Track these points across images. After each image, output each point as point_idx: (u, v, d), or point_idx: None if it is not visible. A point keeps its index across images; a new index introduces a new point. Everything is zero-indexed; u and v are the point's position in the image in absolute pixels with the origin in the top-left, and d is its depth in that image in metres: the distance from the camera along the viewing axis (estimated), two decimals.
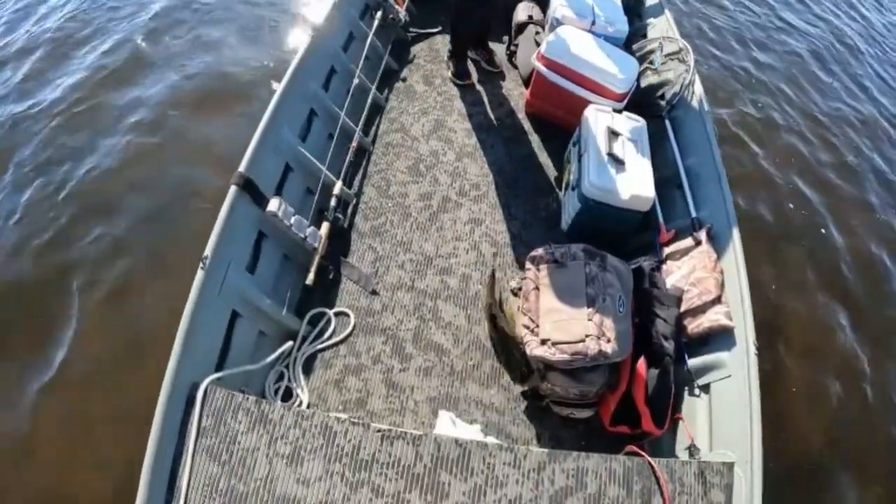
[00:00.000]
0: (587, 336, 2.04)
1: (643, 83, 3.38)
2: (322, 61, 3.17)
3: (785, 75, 5.62)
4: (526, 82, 3.62)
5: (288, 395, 2.23)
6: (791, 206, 4.23)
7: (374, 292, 2.56)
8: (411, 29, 3.90)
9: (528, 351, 2.11)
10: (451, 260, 2.70)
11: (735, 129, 4.71)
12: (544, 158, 3.25)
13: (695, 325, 2.30)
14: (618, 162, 2.61)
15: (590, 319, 2.09)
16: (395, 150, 3.14)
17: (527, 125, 3.43)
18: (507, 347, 2.33)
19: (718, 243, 2.49)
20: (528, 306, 2.22)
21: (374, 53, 3.53)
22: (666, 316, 2.23)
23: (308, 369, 2.31)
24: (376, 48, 3.55)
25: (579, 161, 2.75)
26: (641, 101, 3.27)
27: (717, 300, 2.29)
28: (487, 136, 3.31)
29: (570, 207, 2.75)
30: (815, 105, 5.30)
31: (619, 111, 2.93)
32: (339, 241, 2.69)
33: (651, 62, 3.52)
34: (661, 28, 3.66)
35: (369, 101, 3.21)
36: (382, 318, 2.49)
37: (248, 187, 2.32)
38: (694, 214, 2.67)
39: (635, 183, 2.57)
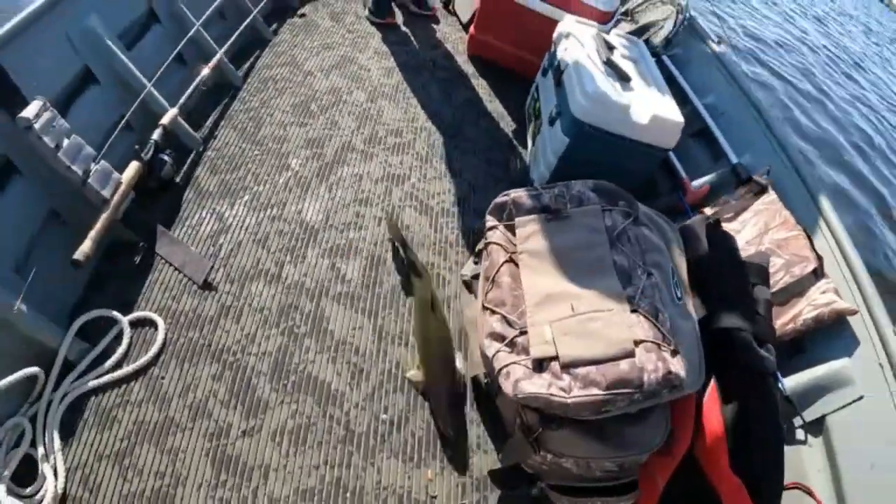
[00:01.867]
0: (638, 343, 0.94)
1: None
2: None
3: None
4: (466, 27, 2.66)
5: (30, 475, 0.99)
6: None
7: (206, 286, 1.31)
8: None
9: (505, 387, 0.93)
10: (349, 234, 1.51)
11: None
12: (496, 106, 2.20)
13: (790, 317, 1.26)
14: (621, 77, 1.62)
15: (634, 310, 0.99)
16: (278, 84, 1.97)
17: (470, 69, 2.39)
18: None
19: (785, 193, 1.52)
20: (499, 296, 1.07)
21: None
22: (754, 302, 1.18)
23: (71, 426, 1.07)
24: None
25: (559, 85, 1.73)
26: None
27: (819, 272, 1.28)
28: (416, 77, 2.22)
29: (547, 151, 1.69)
30: None
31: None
32: (161, 201, 1.48)
33: (625, 13, 2.70)
34: None
35: (246, 23, 2.05)
36: (218, 332, 1.24)
37: None
38: (734, 160, 1.72)
39: (652, 103, 1.57)
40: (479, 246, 1.22)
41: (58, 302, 1.19)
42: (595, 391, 0.87)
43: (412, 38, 2.52)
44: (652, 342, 0.91)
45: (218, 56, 1.80)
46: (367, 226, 1.54)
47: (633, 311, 0.97)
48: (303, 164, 1.68)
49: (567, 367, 0.90)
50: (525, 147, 2.01)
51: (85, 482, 1.00)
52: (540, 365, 0.93)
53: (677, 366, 0.90)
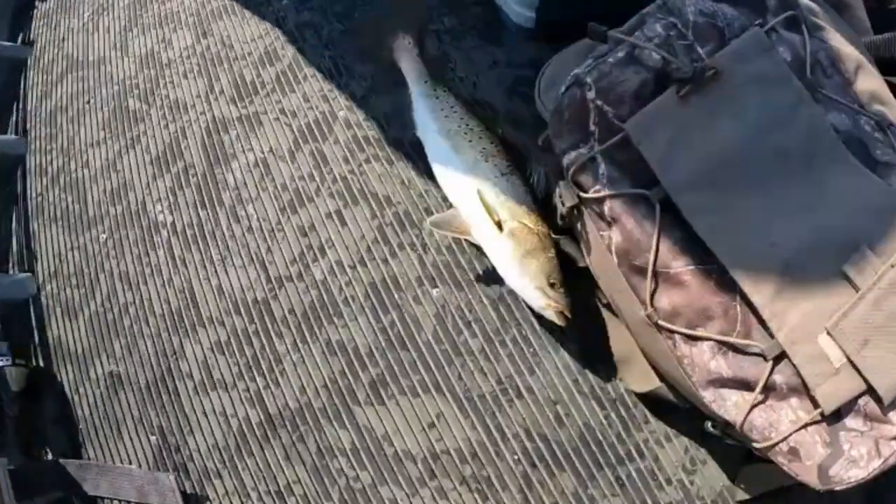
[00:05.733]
0: None
1: None
2: None
3: None
4: None
5: None
6: None
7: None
8: None
9: (805, 478, 0.46)
10: (310, 295, 0.79)
11: None
12: None
13: None
14: None
15: None
16: (71, 111, 1.08)
17: None
18: None
19: None
20: (690, 301, 0.51)
21: None
22: None
23: None
24: None
25: None
26: None
27: None
28: None
29: None
30: None
31: None
32: (42, 421, 0.87)
33: None
34: None
35: None
36: None
37: None
38: None
39: None
40: (564, 206, 0.60)
41: None
42: None
43: None
44: None
45: None
46: (324, 253, 0.79)
47: None
48: (172, 204, 0.87)
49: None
50: None
51: None
52: (837, 415, 0.51)
53: None
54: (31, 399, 0.80)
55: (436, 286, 0.73)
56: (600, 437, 0.66)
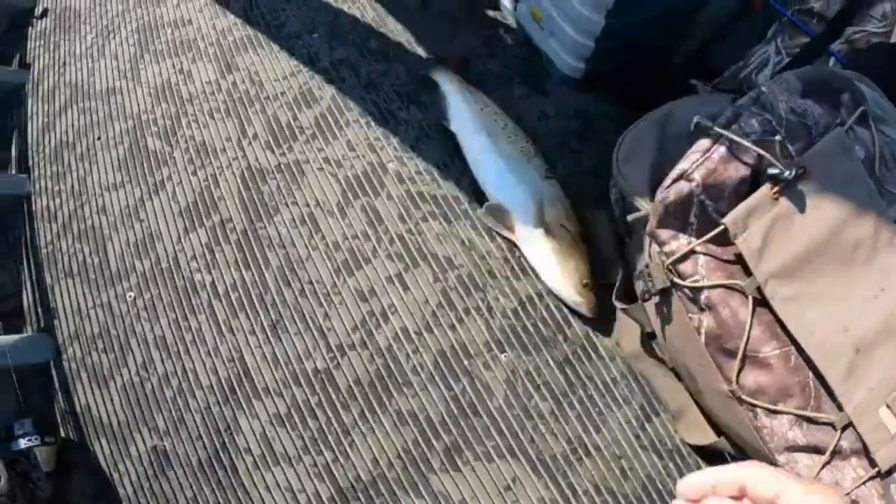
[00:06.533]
0: None
1: None
2: None
3: None
4: None
5: None
6: None
7: None
8: None
9: None
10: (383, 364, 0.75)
11: None
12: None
13: None
14: None
15: None
16: (80, 148, 0.85)
17: None
18: None
19: None
20: (773, 382, 0.57)
21: None
22: None
23: None
24: None
25: None
26: None
27: None
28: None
29: (565, 21, 0.82)
30: None
31: None
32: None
33: None
34: None
35: None
36: None
37: None
38: None
39: None
40: (653, 287, 0.62)
41: None
42: None
43: None
44: None
45: None
46: (387, 319, 0.74)
47: None
48: (210, 262, 0.76)
49: None
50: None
51: None
52: (889, 471, 0.60)
53: None
54: (64, 476, 0.71)
55: (504, 351, 0.73)
56: (660, 487, 0.73)
